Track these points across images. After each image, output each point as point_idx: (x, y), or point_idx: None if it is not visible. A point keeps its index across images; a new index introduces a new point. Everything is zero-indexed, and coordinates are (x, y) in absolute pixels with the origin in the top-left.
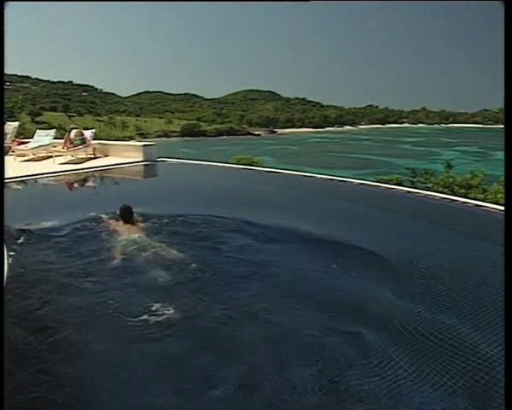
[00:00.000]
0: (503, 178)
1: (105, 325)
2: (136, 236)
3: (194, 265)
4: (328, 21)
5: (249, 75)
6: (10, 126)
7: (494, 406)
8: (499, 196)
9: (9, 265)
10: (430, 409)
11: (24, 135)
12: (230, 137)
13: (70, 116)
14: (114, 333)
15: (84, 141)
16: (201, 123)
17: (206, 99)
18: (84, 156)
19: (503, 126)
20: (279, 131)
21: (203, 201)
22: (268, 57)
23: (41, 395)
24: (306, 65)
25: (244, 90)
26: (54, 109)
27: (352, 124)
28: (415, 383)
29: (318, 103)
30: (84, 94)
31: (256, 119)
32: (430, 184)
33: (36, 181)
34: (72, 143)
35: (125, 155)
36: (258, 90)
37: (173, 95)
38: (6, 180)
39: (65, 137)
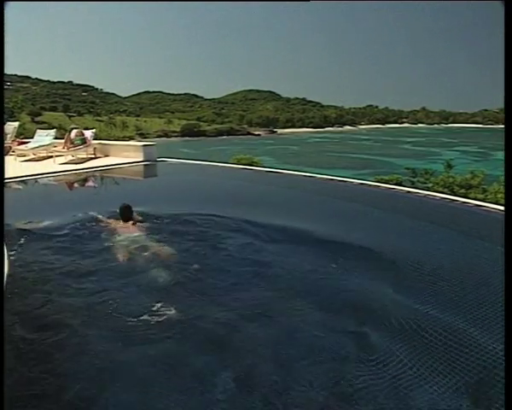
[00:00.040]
0: (503, 178)
1: (105, 325)
2: (136, 234)
3: (194, 265)
4: (328, 21)
5: (249, 75)
6: (10, 126)
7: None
8: (499, 196)
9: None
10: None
11: (24, 135)
12: (230, 137)
13: (70, 116)
14: (114, 332)
15: (84, 141)
16: (201, 123)
17: (206, 99)
18: (85, 156)
19: (503, 126)
20: (279, 131)
21: (203, 201)
22: (268, 57)
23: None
24: (306, 65)
25: (244, 90)
26: (54, 109)
27: (352, 124)
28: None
29: (318, 103)
30: (84, 94)
31: (256, 119)
32: (430, 184)
33: (36, 181)
34: (72, 143)
35: (126, 155)
36: (258, 90)
37: (173, 95)
38: (6, 180)
39: (65, 137)
